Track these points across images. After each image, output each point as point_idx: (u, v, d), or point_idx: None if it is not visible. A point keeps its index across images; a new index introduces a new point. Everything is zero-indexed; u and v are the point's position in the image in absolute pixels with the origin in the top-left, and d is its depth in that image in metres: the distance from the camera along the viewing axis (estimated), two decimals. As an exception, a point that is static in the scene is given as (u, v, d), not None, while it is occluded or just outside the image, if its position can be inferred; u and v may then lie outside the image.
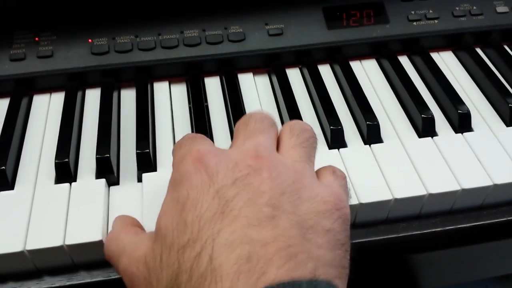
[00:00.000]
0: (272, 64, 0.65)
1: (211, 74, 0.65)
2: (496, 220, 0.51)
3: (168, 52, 0.63)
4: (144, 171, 0.51)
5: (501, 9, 0.69)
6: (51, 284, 0.45)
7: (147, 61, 0.62)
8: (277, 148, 0.40)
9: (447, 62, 0.67)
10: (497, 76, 0.63)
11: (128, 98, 0.61)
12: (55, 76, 0.61)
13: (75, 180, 0.51)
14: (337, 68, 0.65)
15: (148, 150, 0.51)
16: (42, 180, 0.51)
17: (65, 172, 0.50)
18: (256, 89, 0.63)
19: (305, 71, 0.65)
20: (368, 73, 0.65)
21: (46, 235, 0.45)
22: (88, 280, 0.46)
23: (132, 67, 0.62)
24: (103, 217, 0.46)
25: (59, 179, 0.50)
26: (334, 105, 0.58)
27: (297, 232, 0.33)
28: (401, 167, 0.51)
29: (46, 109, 0.60)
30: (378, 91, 0.62)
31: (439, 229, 0.50)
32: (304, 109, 0.59)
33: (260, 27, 0.65)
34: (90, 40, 0.63)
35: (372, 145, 0.54)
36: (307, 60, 0.65)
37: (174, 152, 0.41)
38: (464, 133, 0.56)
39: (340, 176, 0.40)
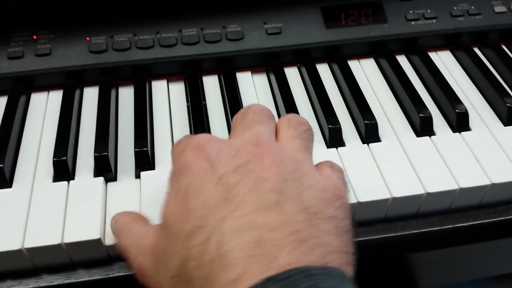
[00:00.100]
0: (270, 63, 0.65)
1: (209, 72, 0.65)
2: (493, 220, 0.51)
3: (166, 50, 0.63)
4: (142, 169, 0.51)
5: (499, 9, 0.69)
6: (49, 282, 0.45)
7: (145, 59, 0.62)
8: (276, 140, 0.40)
9: (445, 61, 0.67)
10: (495, 76, 0.63)
11: (126, 96, 0.61)
12: (53, 74, 0.61)
13: (73, 178, 0.50)
14: (335, 67, 0.65)
15: (146, 149, 0.51)
16: (40, 178, 0.51)
17: (63, 170, 0.50)
18: (254, 88, 0.63)
19: (304, 70, 0.65)
20: (366, 72, 0.65)
21: (44, 233, 0.45)
22: (87, 279, 0.46)
23: (130, 65, 0.62)
24: (101, 215, 0.46)
25: (57, 177, 0.50)
26: (332, 104, 0.58)
27: (304, 218, 0.32)
28: (399, 166, 0.51)
29: (44, 107, 0.60)
30: (376, 90, 0.62)
31: (437, 228, 0.50)
32: (302, 108, 0.59)
33: (259, 26, 0.65)
34: (88, 38, 0.63)
35: (370, 144, 0.54)
36: (306, 59, 0.65)
37: (173, 149, 0.41)
38: (462, 133, 0.56)
39: (337, 170, 0.40)
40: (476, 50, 0.68)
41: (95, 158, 0.51)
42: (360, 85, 0.61)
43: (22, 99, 0.60)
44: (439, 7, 0.68)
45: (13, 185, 0.50)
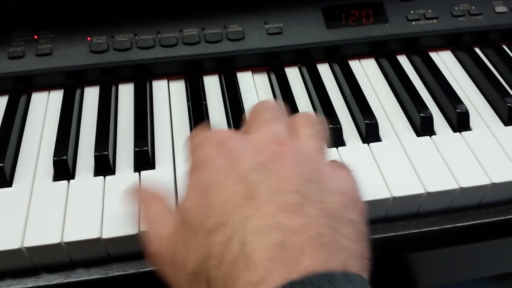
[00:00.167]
0: (271, 63, 0.65)
1: (210, 72, 0.65)
2: (494, 219, 0.51)
3: (167, 50, 0.63)
4: (142, 169, 0.51)
5: (500, 9, 0.69)
6: (48, 281, 0.45)
7: (146, 59, 0.62)
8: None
9: (446, 61, 0.67)
10: (495, 76, 0.63)
11: (126, 96, 0.61)
12: (53, 74, 0.61)
13: (73, 178, 0.51)
14: (336, 67, 0.65)
15: (146, 148, 0.51)
16: (40, 178, 0.51)
17: (63, 169, 0.50)
18: (255, 88, 0.63)
19: (304, 70, 0.65)
20: (367, 72, 0.65)
21: (44, 232, 0.45)
22: (86, 278, 0.46)
23: (131, 65, 0.62)
24: (101, 214, 0.46)
25: (57, 177, 0.50)
26: (333, 104, 0.58)
27: (325, 221, 0.32)
28: (399, 165, 0.51)
29: (45, 107, 0.60)
30: (377, 90, 0.62)
31: (437, 227, 0.50)
32: (302, 108, 0.59)
33: (259, 26, 0.65)
34: (89, 38, 0.63)
35: (370, 144, 0.54)
36: (306, 59, 0.65)
37: (189, 140, 0.41)
38: (463, 132, 0.56)
39: (348, 169, 0.40)
40: (477, 50, 0.68)
41: (95, 157, 0.51)
42: (361, 85, 0.61)
43: (23, 99, 0.60)
44: (440, 7, 0.68)
45: (13, 184, 0.50)
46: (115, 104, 0.60)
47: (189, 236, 0.33)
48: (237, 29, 0.65)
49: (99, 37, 0.63)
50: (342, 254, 0.31)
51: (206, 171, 0.35)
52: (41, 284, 0.45)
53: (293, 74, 0.65)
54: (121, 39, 0.63)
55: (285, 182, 0.33)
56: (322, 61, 0.66)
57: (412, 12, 0.68)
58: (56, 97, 0.61)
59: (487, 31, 0.69)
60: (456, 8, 0.69)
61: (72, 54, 0.62)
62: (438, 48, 0.69)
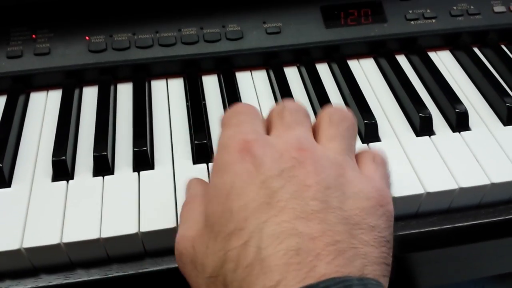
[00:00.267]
0: (270, 63, 0.65)
1: (209, 72, 0.65)
2: (493, 219, 0.51)
3: (165, 50, 0.63)
4: (141, 169, 0.51)
5: (498, 8, 0.69)
6: (48, 282, 0.45)
7: (145, 59, 0.62)
8: (316, 138, 0.39)
9: (445, 61, 0.67)
10: (494, 76, 0.63)
11: (125, 96, 0.61)
12: (52, 73, 0.61)
13: (72, 178, 0.50)
14: (335, 67, 0.65)
15: (145, 148, 0.51)
16: (39, 178, 0.50)
17: (62, 169, 0.50)
18: (254, 88, 0.63)
19: (303, 69, 0.65)
20: (366, 72, 0.65)
21: (43, 233, 0.44)
22: (85, 279, 0.46)
23: (129, 64, 0.62)
24: (100, 215, 0.46)
25: (56, 177, 0.50)
26: (332, 103, 0.58)
27: (344, 228, 0.32)
28: (398, 166, 0.51)
29: (43, 107, 0.60)
30: (376, 90, 0.62)
31: (436, 228, 0.50)
32: (302, 107, 0.59)
33: (258, 26, 0.65)
34: (87, 38, 0.63)
35: (369, 144, 0.54)
36: (305, 58, 0.65)
37: (221, 126, 0.41)
38: (462, 132, 0.56)
39: (380, 164, 0.40)
40: (476, 50, 0.68)
41: (94, 157, 0.51)
42: (360, 84, 0.61)
43: (21, 99, 0.60)
44: (439, 6, 0.68)
45: (12, 185, 0.50)
46: (114, 104, 0.60)
47: (210, 239, 0.34)
48: (235, 28, 0.65)
49: (97, 37, 0.63)
50: (359, 260, 0.31)
51: (231, 176, 0.35)
52: (40, 285, 0.45)
53: (292, 74, 0.65)
54: (120, 38, 0.63)
55: (305, 189, 0.33)
56: (321, 60, 0.66)
57: (410, 11, 0.68)
58: (54, 97, 0.61)
59: (486, 31, 0.69)
60: (454, 7, 0.69)
61: (71, 54, 0.62)
62: (437, 47, 0.69)
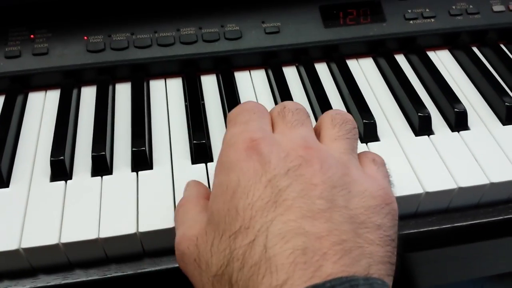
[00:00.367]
0: (269, 62, 0.65)
1: (207, 72, 0.64)
2: (492, 219, 0.51)
3: (164, 49, 0.63)
4: (140, 169, 0.51)
5: (497, 8, 0.69)
6: (46, 282, 0.45)
7: (143, 58, 0.62)
8: (318, 139, 0.39)
9: (444, 60, 0.67)
10: (493, 75, 0.63)
11: (124, 96, 0.61)
12: (50, 73, 0.61)
13: (70, 178, 0.50)
14: (334, 66, 0.65)
15: (144, 148, 0.51)
16: (37, 178, 0.50)
17: (61, 169, 0.50)
18: (253, 87, 0.63)
19: (302, 69, 0.65)
20: (365, 71, 0.65)
21: (41, 233, 0.44)
22: (84, 279, 0.45)
23: (128, 64, 0.62)
24: (98, 215, 0.46)
25: (54, 177, 0.50)
26: (331, 103, 0.58)
27: (350, 227, 0.32)
28: (397, 165, 0.51)
29: (42, 107, 0.60)
30: (375, 90, 0.62)
31: (435, 227, 0.50)
32: (300, 107, 0.59)
33: (257, 25, 0.65)
34: (85, 38, 0.62)
35: (368, 144, 0.54)
36: (304, 58, 0.65)
37: (227, 123, 0.41)
38: (461, 132, 0.56)
39: (381, 164, 0.40)
40: (475, 49, 0.68)
41: (93, 157, 0.50)
42: (359, 84, 0.61)
43: (20, 99, 0.60)
44: (438, 6, 0.68)
45: (10, 185, 0.50)
46: (112, 104, 0.60)
47: (215, 238, 0.34)
48: (234, 28, 0.65)
49: (96, 36, 0.63)
50: (365, 260, 0.31)
51: (237, 174, 0.35)
52: (38, 285, 0.45)
53: (291, 73, 0.65)
54: (118, 38, 0.63)
55: (311, 188, 0.33)
56: (320, 60, 0.66)
57: (409, 11, 0.68)
58: (53, 97, 0.61)
59: (485, 30, 0.69)
60: (453, 7, 0.69)
61: (69, 54, 0.61)
62: (436, 47, 0.69)
